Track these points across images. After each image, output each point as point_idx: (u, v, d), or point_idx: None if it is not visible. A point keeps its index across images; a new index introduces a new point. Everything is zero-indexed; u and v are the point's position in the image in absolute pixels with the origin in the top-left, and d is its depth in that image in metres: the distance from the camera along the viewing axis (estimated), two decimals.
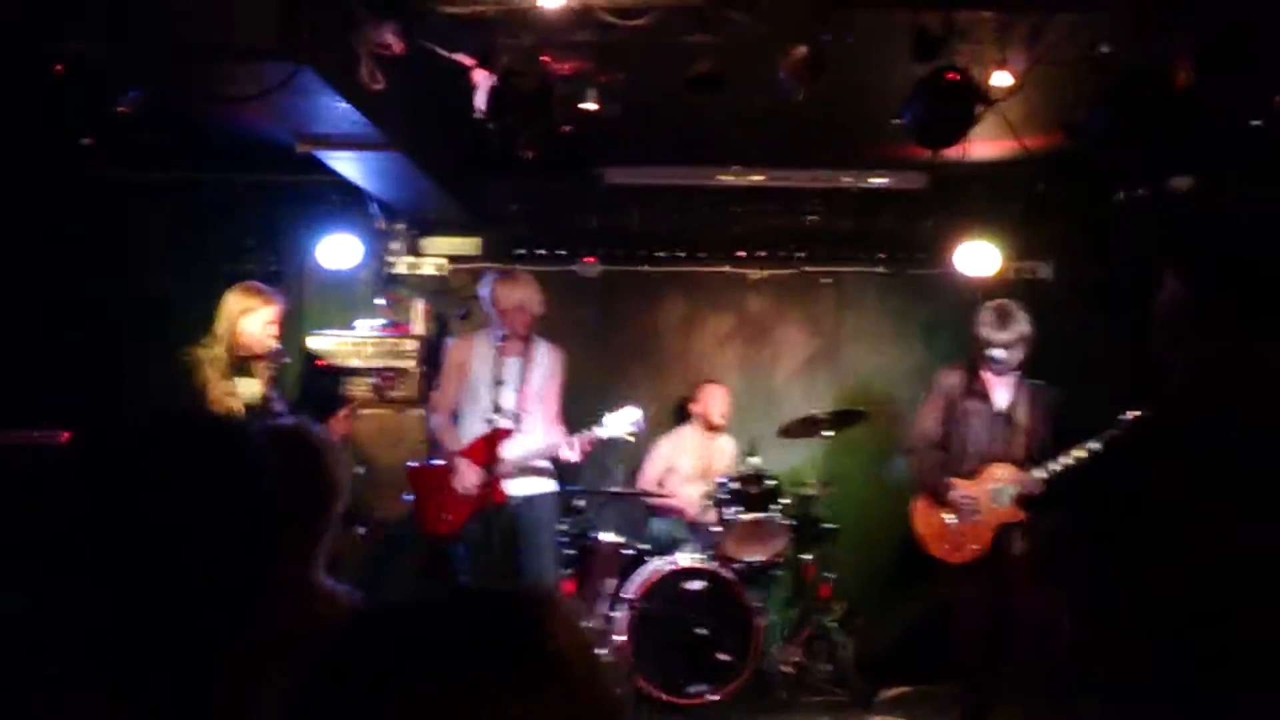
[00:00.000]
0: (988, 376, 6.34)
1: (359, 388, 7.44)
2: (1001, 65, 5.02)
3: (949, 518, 6.32)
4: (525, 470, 6.55)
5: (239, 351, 6.15)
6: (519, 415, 6.52)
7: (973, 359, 6.39)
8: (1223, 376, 2.48)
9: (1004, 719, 6.34)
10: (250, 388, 6.23)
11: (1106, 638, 2.50)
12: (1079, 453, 5.95)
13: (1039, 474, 6.09)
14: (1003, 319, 6.16)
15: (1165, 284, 2.56)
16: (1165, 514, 2.39)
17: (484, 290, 6.71)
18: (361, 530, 7.39)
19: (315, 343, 7.69)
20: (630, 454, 8.10)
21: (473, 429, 6.54)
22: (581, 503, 7.26)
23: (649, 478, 7.94)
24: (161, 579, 1.31)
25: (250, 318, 6.16)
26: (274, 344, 6.22)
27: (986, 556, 6.27)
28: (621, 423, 6.59)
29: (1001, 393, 6.35)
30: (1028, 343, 6.19)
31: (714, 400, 7.94)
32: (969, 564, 6.32)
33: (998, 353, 6.17)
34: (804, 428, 7.63)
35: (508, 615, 1.01)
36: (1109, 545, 2.53)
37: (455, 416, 6.71)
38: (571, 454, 6.55)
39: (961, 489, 6.28)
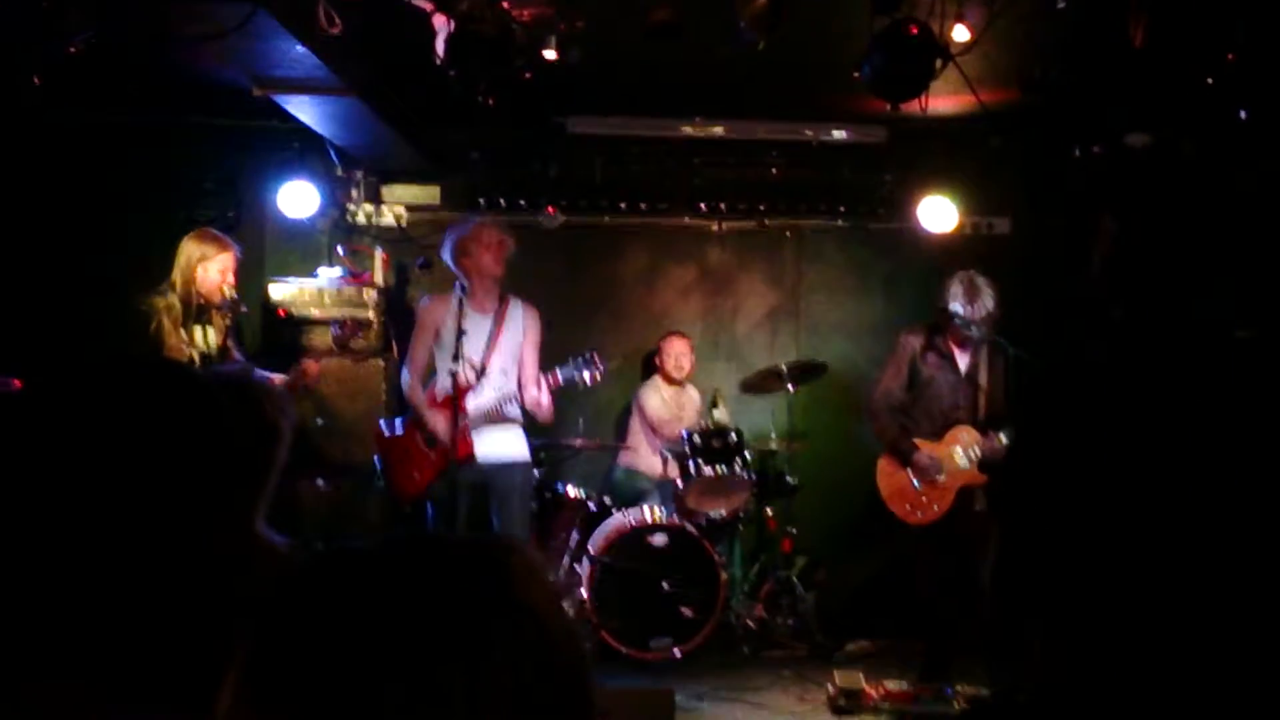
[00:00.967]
0: (950, 339, 6.38)
1: (318, 337, 7.41)
2: (960, 19, 5.02)
3: (912, 478, 6.37)
4: (497, 422, 6.50)
5: (195, 300, 6.10)
6: (483, 369, 6.46)
7: (937, 323, 6.41)
8: (1154, 330, 2.53)
9: (965, 673, 6.43)
10: (208, 336, 6.20)
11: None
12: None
13: (1002, 437, 6.15)
14: (972, 295, 6.16)
15: (1103, 230, 2.59)
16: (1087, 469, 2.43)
17: (447, 247, 6.57)
18: (321, 482, 7.39)
19: (275, 291, 7.64)
20: (594, 406, 8.12)
21: (443, 382, 6.48)
22: (543, 455, 7.27)
23: (643, 424, 7.95)
24: (120, 526, 1.28)
25: (207, 265, 6.12)
26: (230, 292, 6.18)
27: (947, 518, 6.34)
28: (581, 367, 6.54)
29: (963, 355, 6.40)
30: (994, 319, 6.22)
31: (670, 353, 7.95)
32: (931, 523, 6.39)
33: (973, 330, 6.20)
34: (765, 381, 7.67)
35: (473, 562, 0.98)
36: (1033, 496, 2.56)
37: (426, 376, 6.66)
38: (540, 395, 6.48)
39: (925, 451, 6.33)
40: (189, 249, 6.15)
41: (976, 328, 6.20)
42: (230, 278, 6.19)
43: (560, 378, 6.48)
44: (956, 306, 6.19)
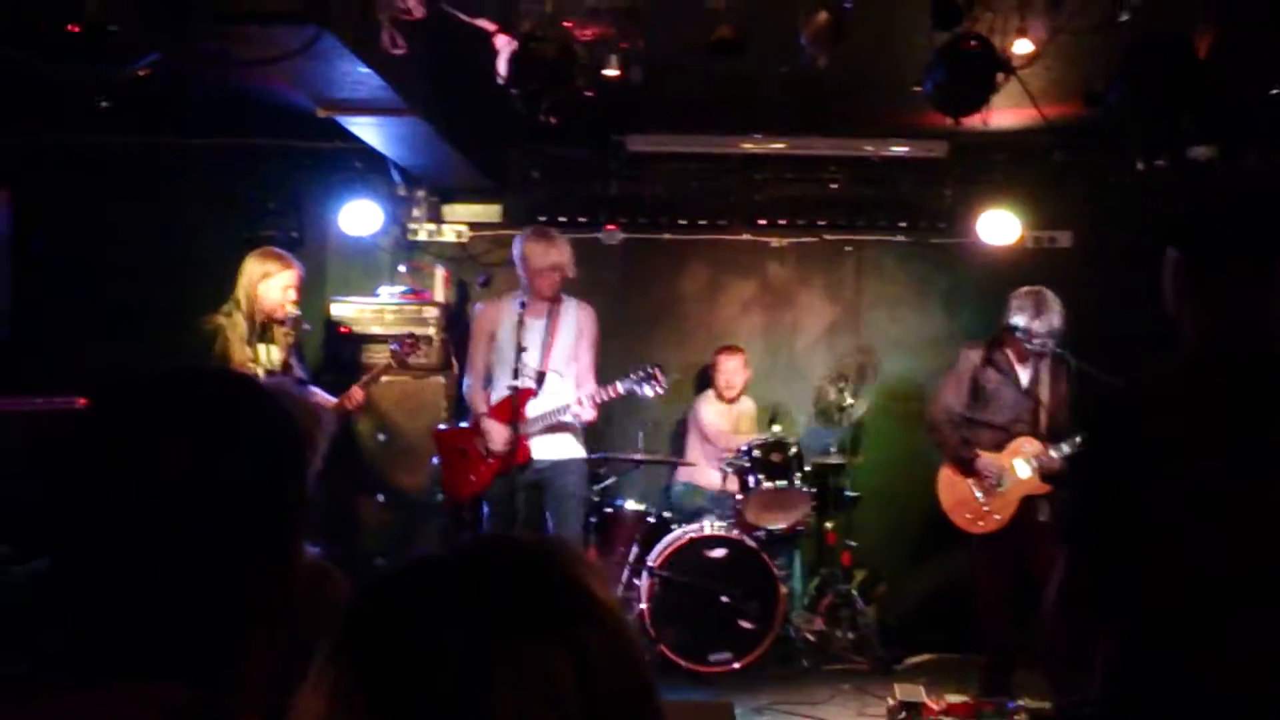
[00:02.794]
0: (1011, 353, 6.35)
1: (379, 355, 7.47)
2: (1022, 33, 5.00)
3: (975, 489, 6.35)
4: (552, 429, 6.51)
5: (259, 317, 6.18)
6: (542, 375, 6.49)
7: (998, 337, 6.39)
8: (1215, 349, 2.51)
9: (1026, 686, 6.37)
10: (271, 354, 6.28)
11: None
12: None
13: (1064, 448, 6.11)
14: (1039, 310, 6.14)
15: (1166, 256, 2.59)
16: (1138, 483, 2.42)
17: (516, 247, 6.61)
18: (381, 498, 7.45)
19: (337, 309, 7.72)
20: (652, 420, 8.14)
21: (500, 393, 6.52)
22: (604, 469, 7.30)
23: (701, 438, 7.95)
24: (181, 542, 1.27)
25: (269, 283, 6.20)
26: (293, 309, 6.26)
27: (1008, 529, 6.30)
28: (642, 380, 6.55)
29: (1025, 368, 6.37)
30: (1059, 335, 6.19)
31: (722, 370, 7.95)
32: (991, 534, 6.35)
33: (1036, 343, 6.17)
34: (830, 405, 7.66)
35: (543, 559, 0.99)
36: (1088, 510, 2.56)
37: (488, 381, 6.71)
38: (583, 411, 6.47)
39: (987, 459, 6.30)
40: (251, 267, 6.23)
41: (1041, 342, 6.17)
42: (293, 295, 6.26)
43: (621, 390, 6.50)
44: (1021, 319, 6.17)
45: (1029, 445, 6.29)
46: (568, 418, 6.51)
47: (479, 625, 0.92)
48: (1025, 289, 6.28)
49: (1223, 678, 2.34)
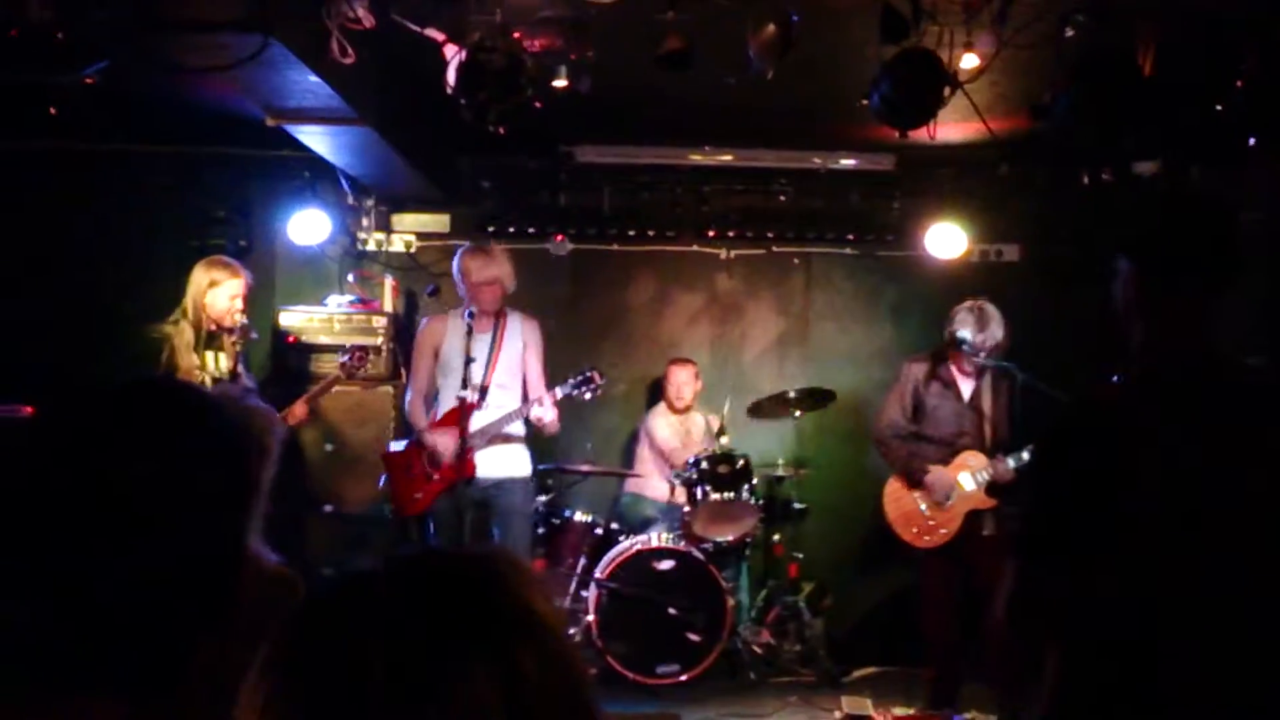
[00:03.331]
0: (954, 366, 6.41)
1: (327, 364, 7.42)
2: (969, 47, 5.05)
3: (921, 502, 6.38)
4: (497, 441, 6.50)
5: (206, 326, 6.14)
6: (485, 389, 6.49)
7: (941, 350, 6.45)
8: (1168, 364, 2.54)
9: (973, 699, 6.42)
10: (219, 362, 6.23)
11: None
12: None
13: (1009, 462, 6.16)
14: (982, 323, 6.20)
15: (1120, 267, 2.61)
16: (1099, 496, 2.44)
17: (455, 263, 6.65)
18: (329, 508, 7.39)
19: (286, 318, 7.66)
20: (601, 431, 8.14)
21: (445, 407, 6.52)
22: (551, 481, 7.29)
23: (652, 451, 7.96)
24: (133, 550, 1.26)
25: (216, 291, 6.16)
26: (240, 318, 6.21)
27: (954, 543, 6.34)
28: (580, 383, 6.56)
29: (968, 382, 6.42)
30: (1001, 348, 6.25)
31: (672, 382, 7.96)
32: (937, 548, 6.39)
33: (981, 356, 6.23)
34: (773, 407, 7.67)
35: (480, 574, 0.99)
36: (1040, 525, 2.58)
37: (430, 396, 6.70)
38: (545, 410, 6.46)
39: (935, 473, 6.34)
40: (199, 275, 6.19)
41: (985, 355, 6.22)
42: (240, 303, 6.22)
43: (559, 394, 6.51)
44: (965, 334, 6.22)
45: (974, 459, 6.33)
46: (517, 428, 6.51)
47: (406, 639, 0.92)
48: (967, 302, 6.34)
49: (1172, 693, 2.36)
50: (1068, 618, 2.49)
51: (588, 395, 6.60)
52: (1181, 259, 2.54)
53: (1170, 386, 2.51)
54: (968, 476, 6.31)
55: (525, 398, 6.59)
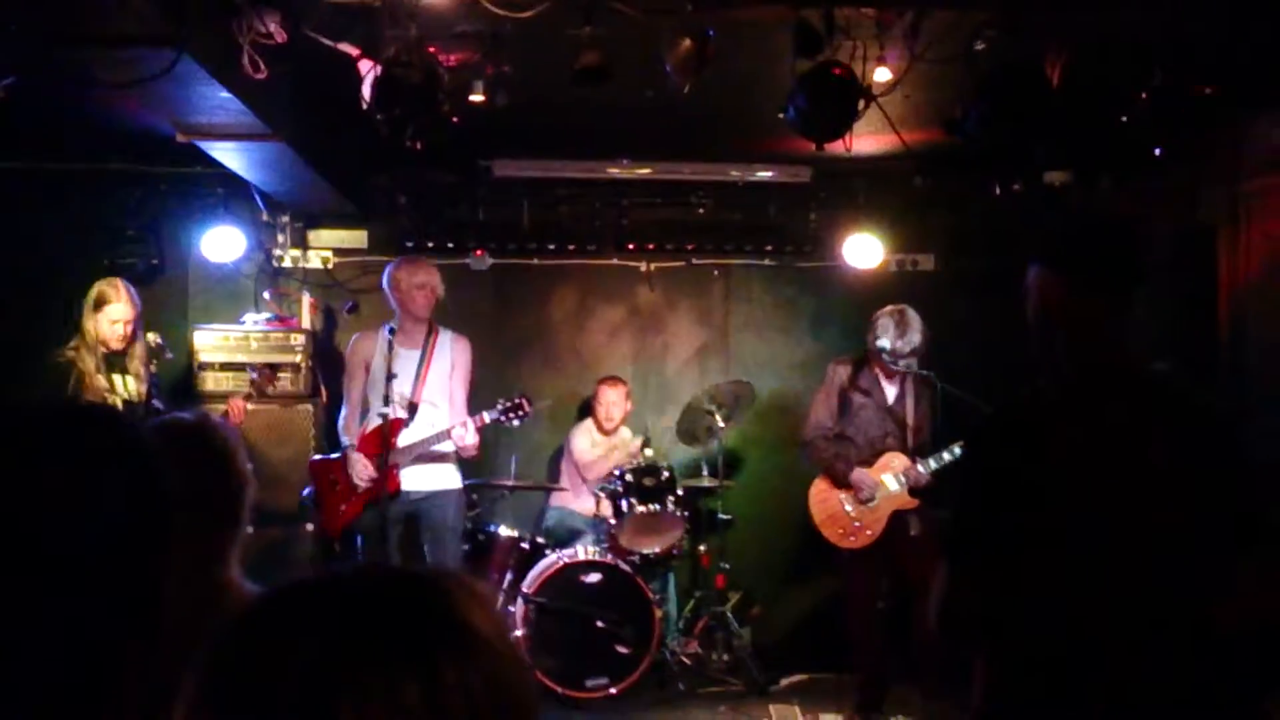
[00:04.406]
0: (877, 370, 6.48)
1: (245, 384, 7.32)
2: (882, 61, 5.11)
3: (846, 503, 6.44)
4: (425, 459, 6.49)
5: (100, 348, 6.07)
6: (414, 405, 6.48)
7: (865, 354, 6.52)
8: (1088, 370, 2.59)
9: (900, 702, 6.48)
10: (127, 384, 6.14)
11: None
12: (960, 446, 6.10)
13: (930, 464, 6.25)
14: (902, 329, 6.28)
15: (1036, 276, 2.65)
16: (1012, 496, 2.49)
17: (385, 276, 6.69)
18: (249, 528, 7.28)
19: (200, 337, 7.55)
20: (527, 447, 8.11)
21: (372, 423, 6.51)
22: (476, 495, 7.26)
23: (573, 465, 7.94)
24: (39, 575, 1.23)
25: (99, 315, 6.11)
26: (119, 343, 6.12)
27: (878, 544, 6.40)
28: (508, 410, 6.59)
29: (890, 386, 6.50)
30: (921, 354, 6.33)
31: (602, 401, 7.97)
32: (862, 550, 6.45)
33: (902, 363, 6.31)
34: (698, 426, 7.69)
35: (417, 587, 0.98)
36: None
37: (359, 412, 6.67)
38: (467, 434, 6.49)
39: (860, 473, 6.40)
40: (89, 297, 6.16)
41: (904, 361, 6.30)
42: (121, 329, 6.13)
43: (488, 419, 6.53)
44: (885, 340, 6.29)
45: (897, 460, 6.42)
46: (445, 446, 6.50)
47: (328, 652, 0.91)
48: (889, 308, 6.42)
49: (1094, 691, 2.40)
50: (993, 618, 2.53)
51: (516, 422, 6.67)
52: (1101, 271, 2.59)
53: (1087, 392, 2.56)
54: (890, 477, 6.40)
55: (451, 418, 6.59)
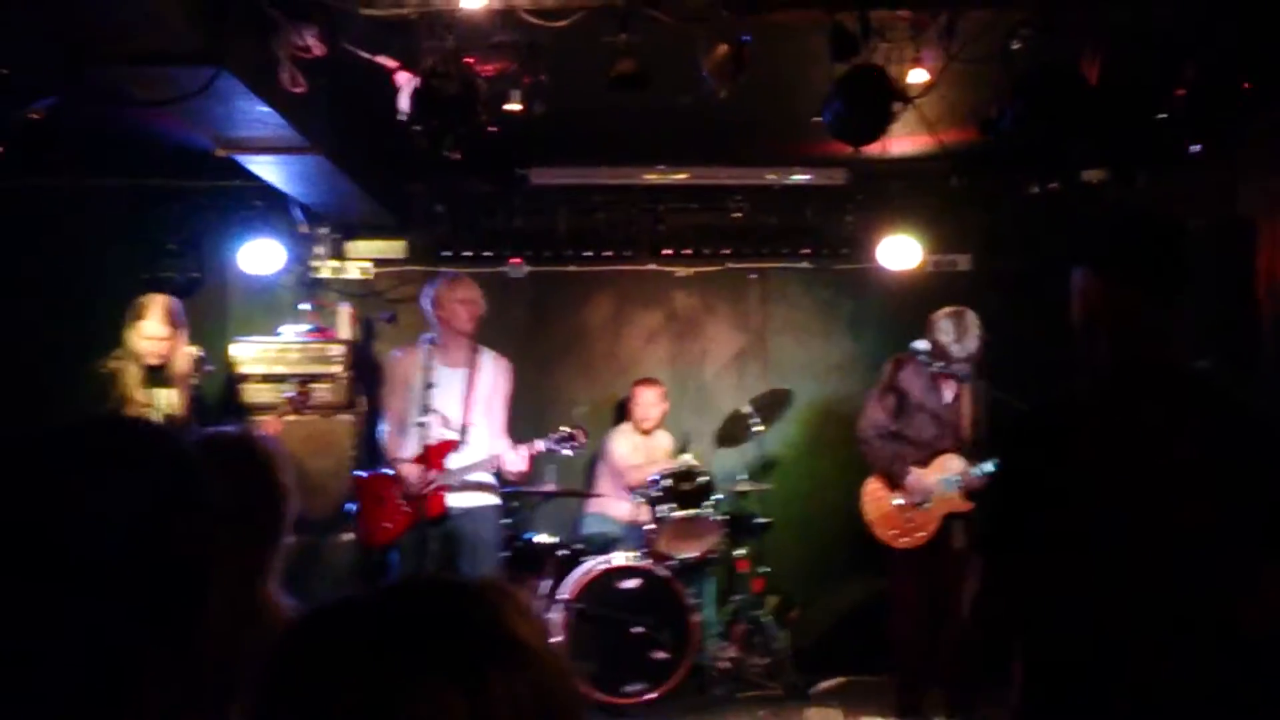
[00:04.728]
0: (933, 371, 6.43)
1: (275, 396, 7.36)
2: (917, 63, 5.10)
3: (899, 501, 6.41)
4: (468, 483, 6.54)
5: (141, 362, 6.13)
6: (465, 427, 6.54)
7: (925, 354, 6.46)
8: (1131, 369, 2.58)
9: (936, 706, 6.45)
10: (170, 398, 6.20)
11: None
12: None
13: (985, 467, 6.19)
14: (960, 332, 6.20)
15: (1080, 277, 2.65)
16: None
17: (426, 295, 6.72)
18: (288, 539, 7.33)
19: (240, 350, 7.60)
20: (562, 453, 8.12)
21: (418, 440, 6.50)
22: (515, 503, 7.27)
23: (611, 470, 7.97)
24: (61, 581, 1.22)
25: (133, 330, 6.16)
26: (153, 359, 6.17)
27: (928, 546, 6.37)
28: (563, 440, 6.68)
29: (947, 387, 6.45)
30: (978, 356, 6.26)
31: (639, 403, 7.98)
32: (910, 552, 6.41)
33: (957, 368, 6.25)
34: (737, 429, 7.69)
35: (465, 601, 1.00)
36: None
37: (403, 428, 6.69)
38: (518, 463, 6.57)
39: (915, 474, 6.37)
40: (131, 312, 6.20)
41: (957, 366, 6.25)
42: (153, 345, 6.17)
43: (541, 447, 6.61)
44: (943, 339, 6.23)
45: (953, 462, 6.36)
46: (487, 475, 6.54)
47: (378, 667, 0.93)
48: (948, 309, 6.34)
49: (1127, 690, 2.39)
50: (1027, 616, 2.53)
51: (568, 452, 6.77)
52: (1144, 269, 2.58)
53: (1123, 392, 2.55)
54: (947, 479, 6.34)
55: (490, 439, 6.67)
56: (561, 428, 6.72)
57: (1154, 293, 2.57)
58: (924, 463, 6.42)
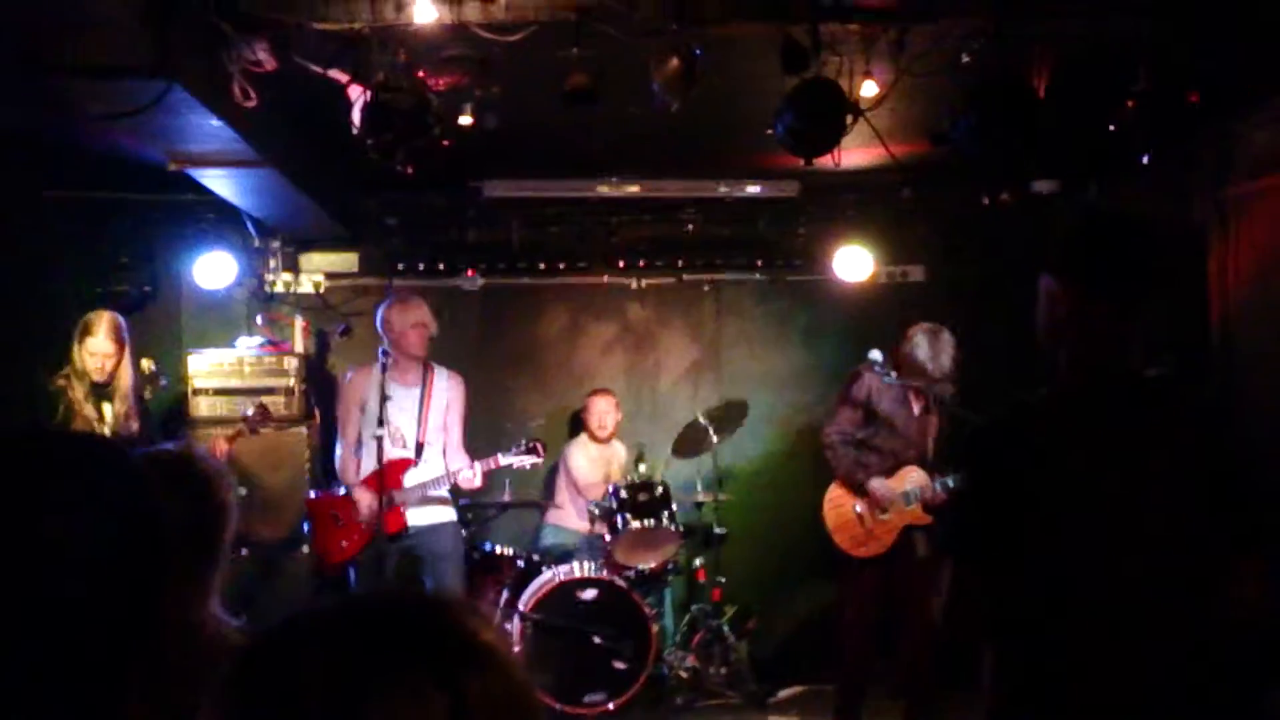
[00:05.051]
0: (900, 382, 6.43)
1: (230, 410, 7.33)
2: (868, 76, 5.14)
3: (861, 511, 6.42)
4: (426, 500, 6.53)
5: (87, 378, 6.11)
6: (420, 446, 6.53)
7: (896, 365, 6.44)
8: (1094, 376, 2.60)
9: (881, 716, 6.49)
10: (113, 412, 6.17)
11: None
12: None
13: (948, 482, 6.20)
14: (935, 350, 6.18)
15: (1046, 284, 2.66)
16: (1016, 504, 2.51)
17: (378, 315, 6.71)
18: (244, 552, 7.29)
19: (194, 363, 7.56)
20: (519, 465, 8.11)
21: (373, 460, 6.44)
22: (469, 515, 7.26)
23: (568, 482, 7.97)
24: (30, 611, 1.21)
25: (82, 346, 6.15)
26: (99, 375, 6.16)
27: (886, 556, 6.40)
28: (522, 454, 6.70)
29: (916, 399, 6.46)
30: (951, 375, 6.26)
31: (593, 412, 8.00)
32: (868, 560, 6.44)
33: (939, 388, 6.23)
34: (693, 440, 7.71)
35: (432, 608, 1.01)
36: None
37: (357, 449, 6.66)
38: (473, 478, 6.56)
39: (878, 483, 6.38)
40: (78, 327, 6.18)
41: (938, 382, 6.22)
42: (99, 361, 6.15)
43: (502, 461, 6.62)
44: (920, 355, 6.20)
45: (916, 474, 6.38)
46: (443, 491, 6.53)
47: (354, 668, 0.93)
48: (924, 325, 6.31)
49: (1095, 694, 2.42)
50: (997, 622, 2.55)
51: (527, 465, 6.80)
52: (1108, 276, 2.59)
53: (1088, 398, 2.58)
54: (908, 491, 6.36)
55: (447, 454, 6.64)
56: (520, 442, 6.73)
57: (1119, 300, 2.58)
58: (888, 473, 6.44)
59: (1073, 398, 2.61)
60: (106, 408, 6.15)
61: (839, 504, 6.54)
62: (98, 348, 6.15)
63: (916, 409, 6.46)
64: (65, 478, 1.30)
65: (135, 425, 6.30)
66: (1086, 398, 2.58)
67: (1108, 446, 2.52)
